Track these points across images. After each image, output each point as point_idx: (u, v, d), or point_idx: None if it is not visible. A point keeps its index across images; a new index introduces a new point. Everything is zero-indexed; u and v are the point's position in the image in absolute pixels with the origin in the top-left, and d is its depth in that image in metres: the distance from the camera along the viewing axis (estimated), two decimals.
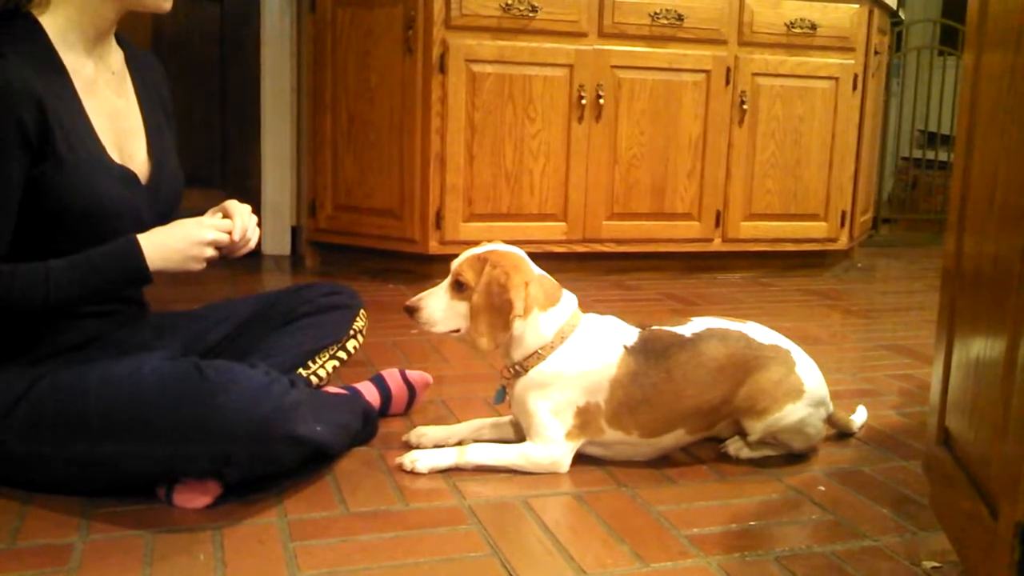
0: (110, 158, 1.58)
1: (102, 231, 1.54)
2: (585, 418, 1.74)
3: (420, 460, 1.71)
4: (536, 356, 1.73)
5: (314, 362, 1.87)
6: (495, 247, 1.76)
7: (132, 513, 1.51)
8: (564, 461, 1.74)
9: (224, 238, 1.61)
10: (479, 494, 1.63)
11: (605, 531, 1.51)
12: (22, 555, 1.37)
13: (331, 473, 1.69)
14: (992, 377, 1.15)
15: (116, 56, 1.68)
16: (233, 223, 1.64)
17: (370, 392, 1.94)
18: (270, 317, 1.90)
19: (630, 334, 1.78)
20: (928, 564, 1.44)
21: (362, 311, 2.01)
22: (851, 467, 1.83)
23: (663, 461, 1.81)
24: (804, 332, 2.93)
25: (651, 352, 1.75)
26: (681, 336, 1.78)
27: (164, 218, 1.63)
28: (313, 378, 1.85)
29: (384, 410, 1.96)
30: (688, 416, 1.76)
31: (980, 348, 1.22)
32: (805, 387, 1.78)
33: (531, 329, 1.73)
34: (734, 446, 1.83)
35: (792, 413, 1.76)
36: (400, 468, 1.71)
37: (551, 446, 1.72)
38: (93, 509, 1.51)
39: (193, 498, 1.53)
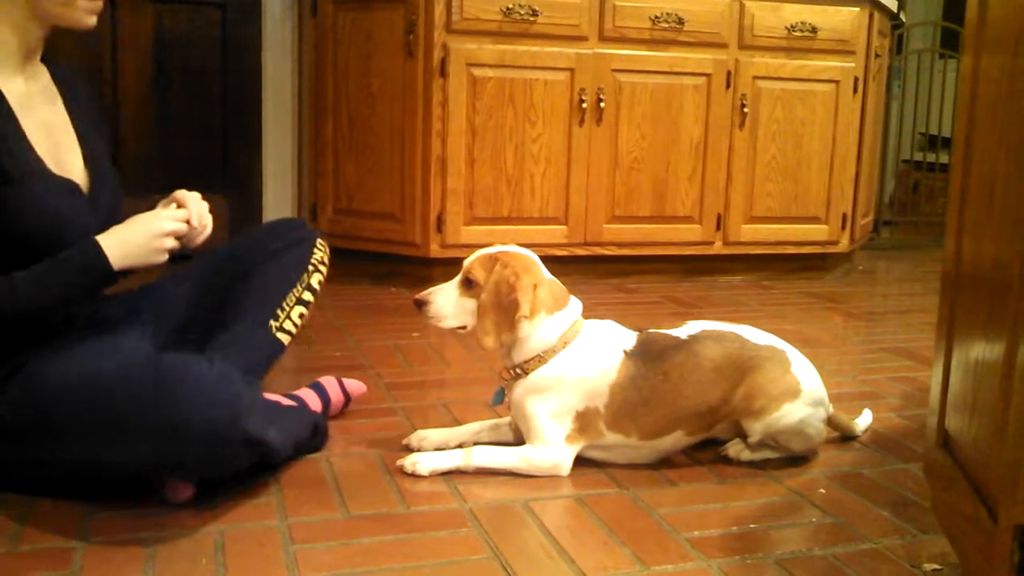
0: (50, 170, 1.61)
1: (50, 241, 1.56)
2: (584, 422, 1.74)
3: (421, 463, 1.71)
4: (538, 359, 1.74)
5: (282, 310, 1.84)
6: (507, 248, 1.77)
7: (133, 517, 1.51)
8: (565, 464, 1.74)
9: (183, 227, 1.64)
10: (480, 497, 1.63)
11: (606, 534, 1.51)
12: (23, 559, 1.37)
13: (332, 476, 1.70)
14: (991, 379, 1.15)
15: (43, 73, 1.72)
16: (189, 210, 1.65)
17: (312, 399, 1.94)
18: (228, 273, 1.89)
19: (628, 338, 1.78)
20: (928, 566, 1.44)
21: (319, 240, 1.97)
22: (851, 469, 1.83)
23: (663, 464, 1.81)
24: (805, 335, 2.93)
25: (649, 355, 1.76)
26: (677, 338, 1.79)
27: (107, 225, 1.64)
28: (284, 337, 1.83)
29: (324, 415, 1.94)
30: (687, 417, 1.76)
31: (979, 350, 1.22)
32: (802, 386, 1.78)
33: (537, 332, 1.73)
34: (734, 449, 1.83)
35: (790, 413, 1.77)
36: (401, 471, 1.71)
37: (551, 449, 1.73)
38: (94, 513, 1.51)
39: (178, 490, 1.54)
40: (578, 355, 1.74)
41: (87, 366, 1.53)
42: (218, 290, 1.87)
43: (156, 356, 1.53)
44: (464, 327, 1.76)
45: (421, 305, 1.76)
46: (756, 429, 1.78)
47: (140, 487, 1.57)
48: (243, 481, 1.61)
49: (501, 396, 1.82)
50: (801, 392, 1.78)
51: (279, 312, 1.84)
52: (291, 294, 1.87)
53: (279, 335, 1.84)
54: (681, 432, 1.78)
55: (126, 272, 1.61)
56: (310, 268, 1.92)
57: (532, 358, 1.74)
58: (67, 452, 1.50)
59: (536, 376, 1.74)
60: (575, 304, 1.79)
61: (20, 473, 1.57)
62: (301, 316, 1.88)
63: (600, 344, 1.76)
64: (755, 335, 1.83)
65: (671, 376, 1.75)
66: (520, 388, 1.76)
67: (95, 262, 1.56)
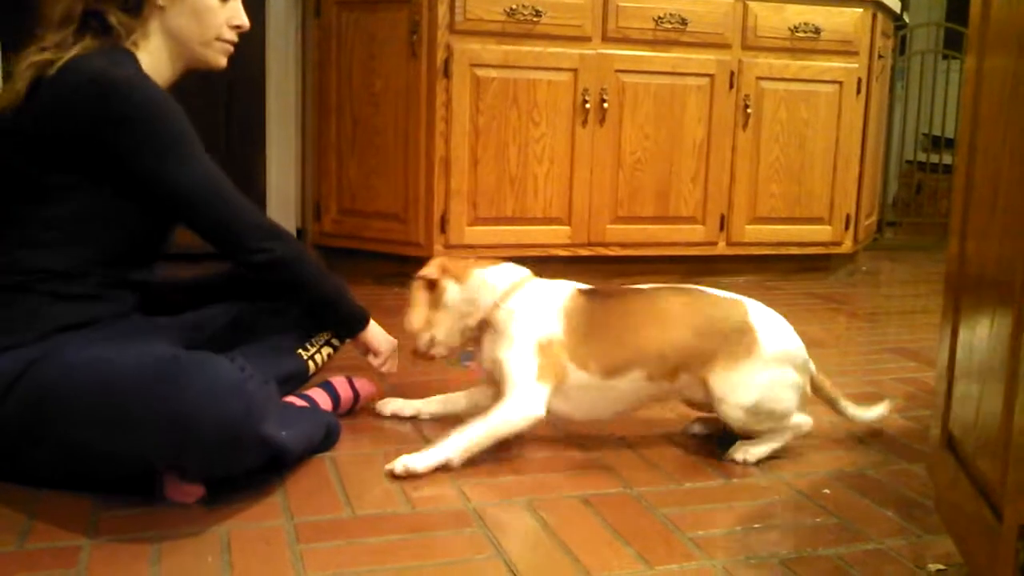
0: None
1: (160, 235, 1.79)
2: (548, 355, 1.78)
3: (411, 463, 1.70)
4: (495, 307, 1.84)
5: (312, 344, 1.95)
6: None
7: (139, 515, 1.52)
8: (537, 406, 1.77)
9: (392, 365, 2.05)
10: (484, 497, 1.64)
11: (610, 534, 1.52)
12: (31, 557, 1.38)
13: (337, 476, 1.70)
14: (995, 380, 1.15)
15: None
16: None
17: (323, 399, 1.96)
18: (264, 308, 1.97)
19: (583, 285, 1.89)
20: (933, 567, 1.44)
21: None
22: (855, 470, 1.84)
23: (668, 462, 1.81)
24: (808, 335, 2.91)
25: (603, 293, 1.86)
26: (635, 287, 1.87)
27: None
28: (311, 364, 1.94)
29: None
30: (643, 356, 1.79)
31: (983, 351, 1.22)
32: (761, 339, 1.80)
33: (479, 284, 1.86)
34: (740, 452, 1.83)
35: (752, 370, 1.78)
36: (392, 475, 1.71)
37: (522, 393, 1.76)
38: (101, 511, 1.52)
39: (186, 491, 1.55)
40: (532, 291, 1.85)
41: (106, 355, 1.55)
42: (250, 315, 1.96)
43: (176, 351, 1.55)
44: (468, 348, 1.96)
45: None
46: (719, 389, 1.78)
47: (147, 485, 1.57)
48: (249, 481, 1.62)
49: (468, 356, 1.93)
50: (760, 345, 1.79)
51: (308, 346, 1.95)
52: (321, 334, 1.97)
53: (308, 361, 1.94)
54: (639, 373, 1.80)
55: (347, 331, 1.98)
56: None
57: (491, 308, 1.84)
58: (74, 440, 1.51)
59: (496, 319, 1.83)
60: (516, 266, 1.90)
61: (29, 465, 1.58)
62: (328, 355, 1.99)
63: (553, 284, 1.88)
64: (720, 293, 1.88)
65: (627, 309, 1.82)
66: (489, 341, 1.84)
67: (362, 316, 1.97)
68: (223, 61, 1.84)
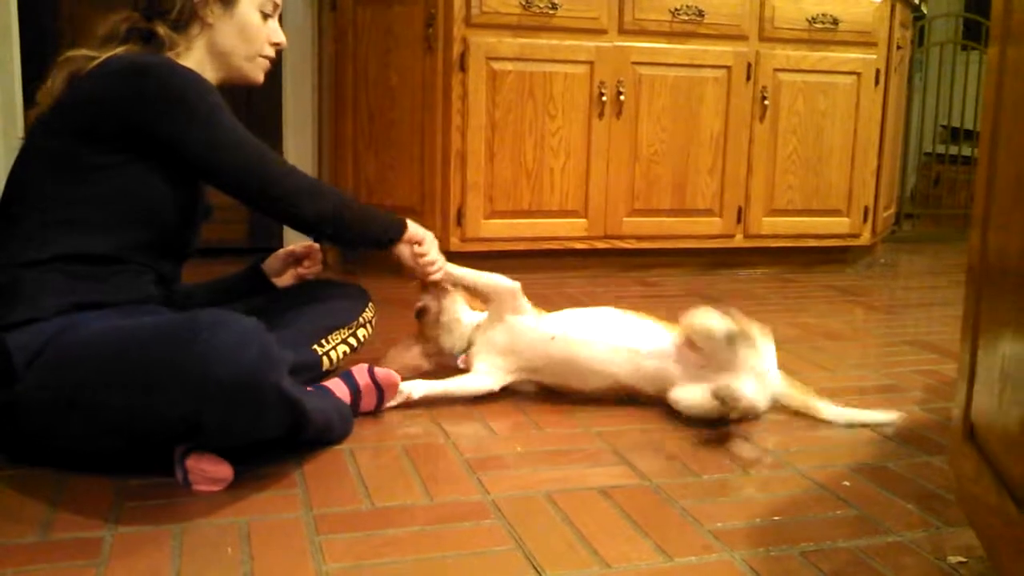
0: None
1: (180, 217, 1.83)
2: None
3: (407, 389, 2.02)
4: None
5: (328, 341, 1.97)
6: None
7: (162, 506, 1.53)
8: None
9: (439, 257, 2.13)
10: (503, 489, 1.64)
11: (629, 525, 1.52)
12: (54, 548, 1.39)
13: (356, 468, 1.71)
14: (1018, 372, 1.15)
15: None
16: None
17: (340, 389, 1.92)
18: (286, 300, 2.06)
19: None
20: (954, 559, 1.43)
21: (370, 303, 2.15)
22: (876, 462, 1.83)
23: (686, 455, 1.81)
24: (826, 328, 2.92)
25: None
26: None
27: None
28: (325, 360, 1.95)
29: (355, 409, 1.92)
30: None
31: (1007, 343, 1.22)
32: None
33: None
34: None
35: None
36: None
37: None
38: (123, 501, 1.53)
39: (208, 472, 1.56)
40: None
41: (125, 323, 1.59)
42: (267, 312, 1.97)
43: (194, 312, 1.56)
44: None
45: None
46: None
47: (170, 470, 1.59)
48: (269, 471, 1.64)
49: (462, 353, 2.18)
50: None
51: (324, 342, 1.97)
52: (338, 332, 2.02)
53: (323, 357, 1.96)
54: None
55: (386, 242, 2.01)
56: (360, 320, 2.10)
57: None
58: (96, 406, 1.52)
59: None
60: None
61: (54, 444, 1.61)
62: (344, 354, 2.02)
63: None
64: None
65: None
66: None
67: (399, 220, 2.02)
68: (261, 76, 1.93)
